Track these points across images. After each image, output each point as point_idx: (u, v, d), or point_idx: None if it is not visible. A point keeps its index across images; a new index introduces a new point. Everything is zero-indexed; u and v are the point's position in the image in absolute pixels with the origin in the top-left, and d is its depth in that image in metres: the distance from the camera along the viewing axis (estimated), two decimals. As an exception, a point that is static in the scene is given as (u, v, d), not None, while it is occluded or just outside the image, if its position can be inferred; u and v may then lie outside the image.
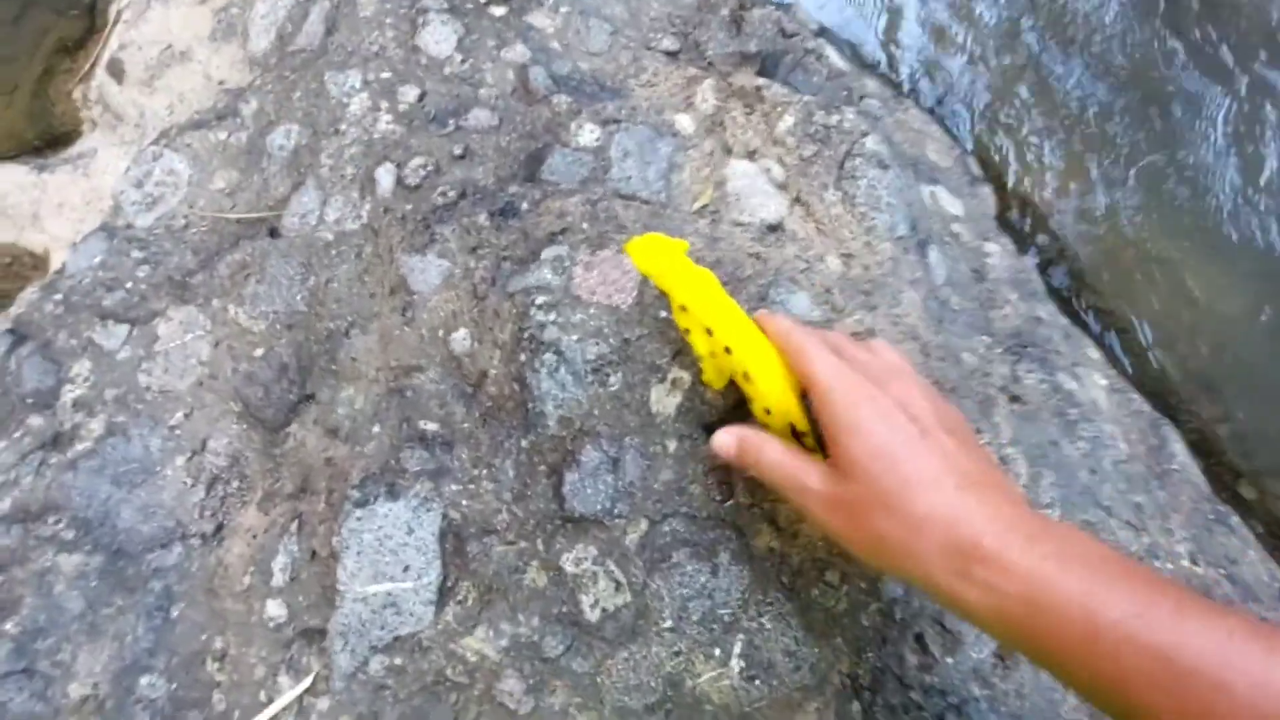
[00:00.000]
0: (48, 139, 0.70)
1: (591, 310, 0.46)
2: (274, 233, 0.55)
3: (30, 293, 0.56)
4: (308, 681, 0.42)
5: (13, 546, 0.47)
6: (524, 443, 0.45)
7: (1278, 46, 0.73)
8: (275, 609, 0.45)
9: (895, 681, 0.42)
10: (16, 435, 0.50)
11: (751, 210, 0.53)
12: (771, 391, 0.38)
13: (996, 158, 0.74)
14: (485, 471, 0.45)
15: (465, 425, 0.46)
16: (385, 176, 0.54)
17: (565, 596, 0.43)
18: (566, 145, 0.54)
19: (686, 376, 0.45)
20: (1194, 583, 0.50)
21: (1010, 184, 0.73)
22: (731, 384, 0.42)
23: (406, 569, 0.43)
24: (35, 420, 0.50)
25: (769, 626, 0.42)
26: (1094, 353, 0.62)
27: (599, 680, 0.42)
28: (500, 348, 0.47)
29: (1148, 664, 0.26)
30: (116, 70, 0.67)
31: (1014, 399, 0.52)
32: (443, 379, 0.47)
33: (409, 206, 0.53)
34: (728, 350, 0.39)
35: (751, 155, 0.56)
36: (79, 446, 0.49)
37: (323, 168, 0.56)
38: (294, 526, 0.46)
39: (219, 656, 0.45)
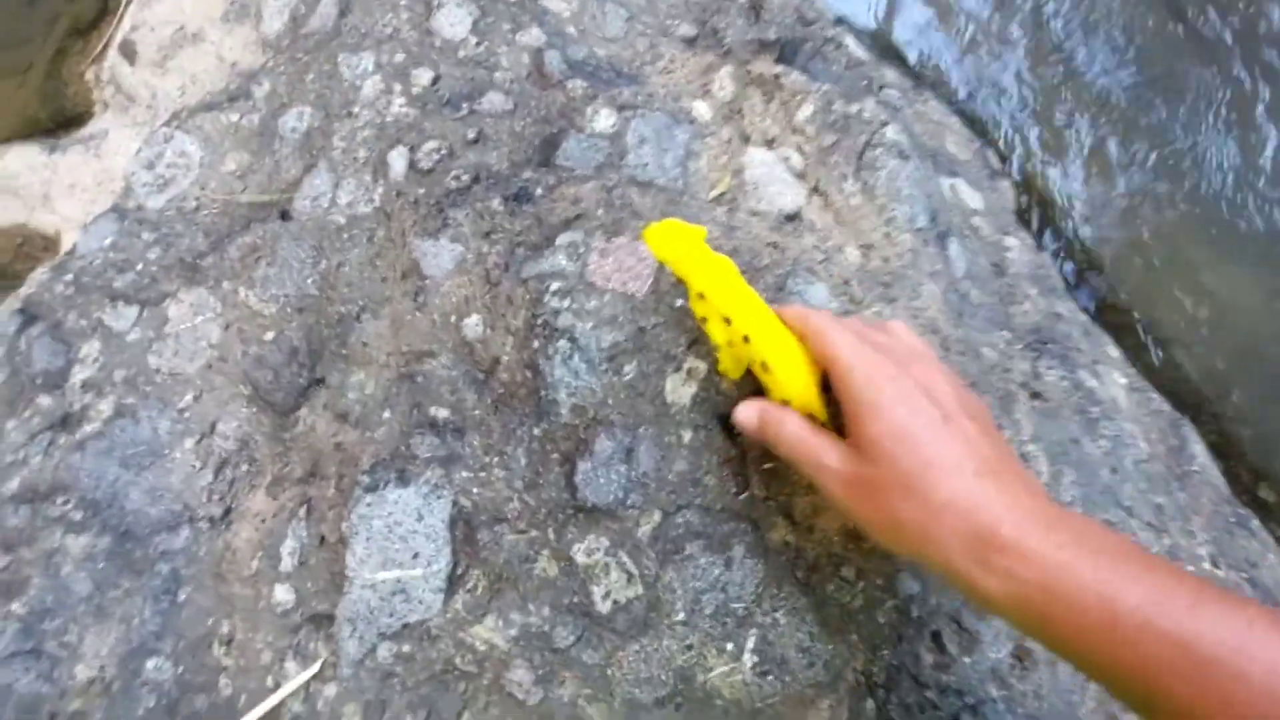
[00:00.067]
0: (60, 120, 0.70)
1: (606, 297, 0.46)
2: (285, 215, 0.54)
3: (41, 273, 0.55)
4: (315, 667, 0.42)
5: (21, 526, 0.46)
6: (536, 431, 0.44)
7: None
8: (283, 594, 0.44)
9: (911, 680, 0.41)
10: (26, 415, 0.50)
11: (769, 199, 0.52)
12: (791, 381, 0.37)
13: (1016, 151, 0.73)
14: (496, 459, 0.44)
15: (477, 412, 0.45)
16: (398, 160, 0.54)
17: (576, 587, 0.42)
18: (582, 131, 0.53)
19: (702, 366, 0.44)
20: (1216, 585, 0.49)
21: (1029, 178, 0.72)
22: (748, 374, 0.42)
23: (416, 556, 0.42)
24: (44, 400, 0.50)
25: (783, 622, 0.41)
26: (1113, 350, 0.61)
27: (609, 672, 0.41)
28: (513, 334, 0.46)
29: (1166, 652, 0.26)
30: (129, 51, 0.67)
31: (1035, 395, 0.51)
32: (454, 365, 0.47)
33: (422, 190, 0.52)
34: (746, 339, 0.38)
35: (770, 143, 0.55)
36: (88, 427, 0.49)
37: (335, 150, 0.55)
38: (303, 511, 0.46)
39: (226, 641, 0.44)
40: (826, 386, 0.37)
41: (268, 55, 0.62)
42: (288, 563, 0.45)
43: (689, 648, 0.41)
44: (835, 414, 0.37)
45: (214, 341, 0.51)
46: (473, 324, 0.47)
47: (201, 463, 0.49)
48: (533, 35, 0.59)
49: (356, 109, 0.56)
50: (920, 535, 0.32)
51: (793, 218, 0.52)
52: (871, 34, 0.77)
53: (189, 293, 0.53)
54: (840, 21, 0.70)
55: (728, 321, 0.39)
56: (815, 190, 0.54)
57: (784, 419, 0.37)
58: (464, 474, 0.44)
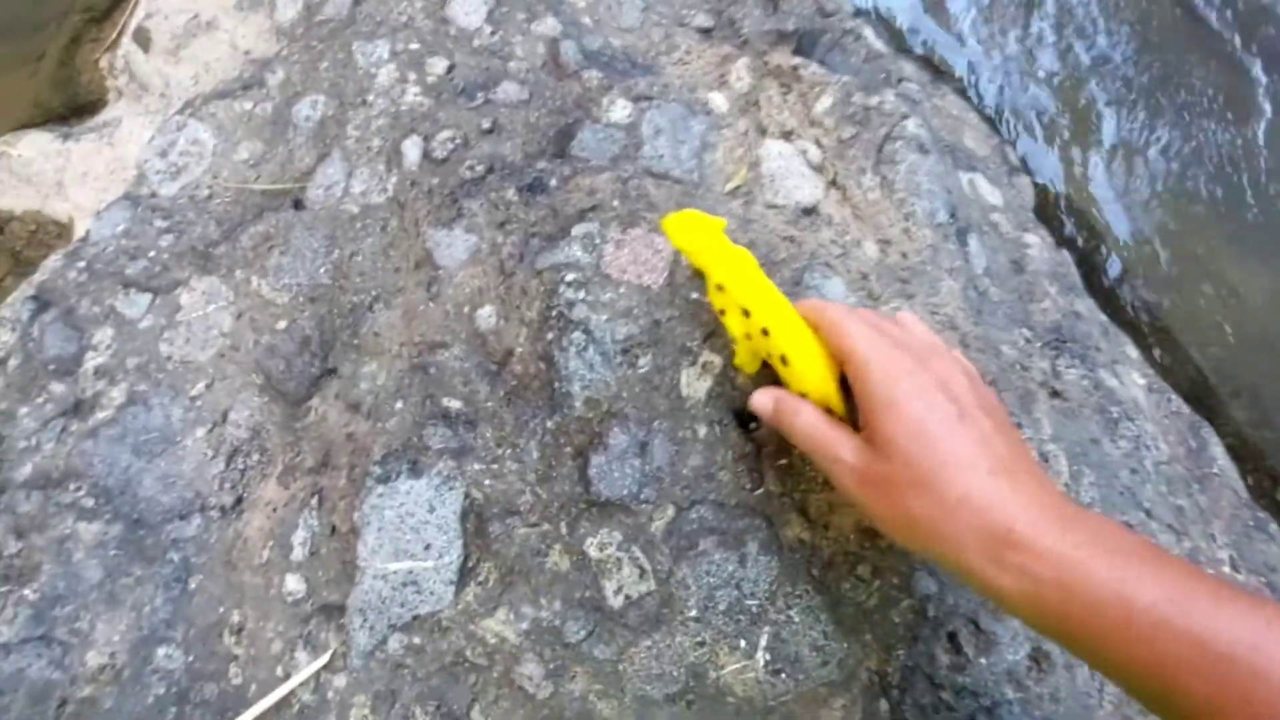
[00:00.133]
0: (73, 107, 0.70)
1: (621, 289, 0.45)
2: (298, 204, 0.54)
3: (54, 260, 0.55)
4: (325, 658, 0.42)
5: (33, 513, 0.46)
6: (549, 423, 0.44)
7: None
8: (294, 584, 0.44)
9: (925, 681, 0.41)
10: (39, 401, 0.50)
11: (786, 192, 0.51)
12: (809, 375, 0.36)
13: (1034, 148, 0.72)
14: (509, 451, 0.44)
15: (489, 404, 0.45)
16: (412, 149, 0.53)
17: (588, 581, 0.42)
18: (597, 121, 0.53)
19: (718, 360, 0.44)
20: (1238, 589, 0.48)
21: (1048, 175, 0.71)
22: (765, 369, 0.41)
23: (427, 547, 0.42)
24: (57, 387, 0.50)
25: (797, 620, 0.41)
26: (1132, 351, 0.60)
27: (620, 668, 0.41)
28: (527, 325, 0.46)
29: (1184, 650, 0.26)
30: (143, 39, 0.66)
31: (1054, 394, 0.50)
32: (467, 356, 0.46)
33: (436, 180, 0.52)
34: (765, 332, 0.37)
35: (787, 136, 0.54)
36: (100, 414, 0.49)
37: (349, 139, 0.55)
38: (314, 501, 0.46)
39: (236, 630, 0.44)
40: (843, 381, 0.37)
41: (282, 43, 0.62)
42: (299, 552, 0.45)
43: (701, 644, 0.41)
44: (851, 409, 0.36)
45: (226, 330, 0.51)
46: (486, 315, 0.47)
47: (213, 451, 0.48)
48: (548, 25, 0.59)
49: (371, 98, 0.56)
50: (934, 532, 0.31)
51: (810, 211, 0.51)
52: (890, 27, 0.76)
53: (201, 281, 0.53)
54: (859, 13, 0.69)
55: (746, 314, 0.38)
56: (833, 184, 0.53)
57: (799, 409, 0.37)
58: (476, 466, 0.44)
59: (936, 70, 0.75)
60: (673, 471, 0.42)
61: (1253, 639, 0.25)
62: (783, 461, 0.43)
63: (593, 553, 0.42)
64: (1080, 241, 0.69)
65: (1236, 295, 0.65)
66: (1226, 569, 0.50)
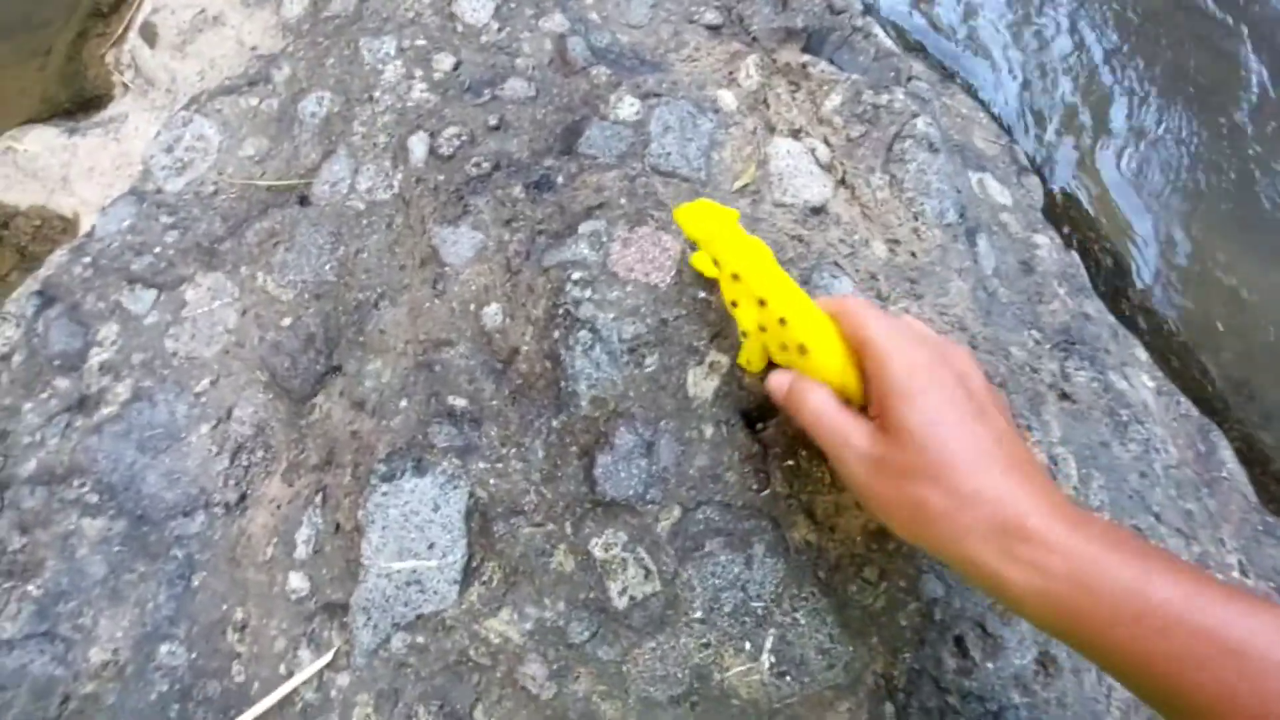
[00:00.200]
0: (79, 102, 0.69)
1: (629, 288, 0.45)
2: (304, 201, 0.54)
3: (59, 255, 0.55)
4: (328, 656, 0.41)
5: (37, 508, 0.46)
6: (555, 423, 0.43)
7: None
8: (297, 581, 0.44)
9: (932, 684, 0.40)
10: (43, 397, 0.50)
11: (795, 191, 0.51)
12: (830, 364, 0.36)
13: (1043, 147, 0.72)
14: (514, 451, 0.44)
15: (495, 402, 0.45)
16: (418, 146, 0.53)
17: (593, 582, 0.41)
18: (605, 118, 0.53)
19: (725, 360, 0.44)
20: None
21: (1057, 175, 0.71)
22: (770, 367, 0.41)
23: (431, 546, 0.42)
24: (62, 382, 0.50)
25: (803, 622, 0.41)
26: (1142, 353, 0.60)
27: (624, 669, 0.41)
28: (533, 324, 0.45)
29: (1199, 646, 0.26)
30: (149, 34, 0.66)
31: (1064, 396, 0.49)
32: (473, 354, 0.46)
33: (442, 177, 0.52)
34: (782, 321, 0.37)
35: (796, 134, 0.54)
36: (105, 410, 0.49)
37: (355, 136, 0.55)
38: (318, 499, 0.46)
39: (240, 627, 0.44)
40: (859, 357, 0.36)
41: (288, 39, 0.62)
42: (302, 550, 0.45)
43: (706, 646, 0.41)
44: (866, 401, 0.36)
45: (231, 326, 0.51)
46: (492, 313, 0.47)
47: (218, 448, 0.48)
48: (556, 21, 0.58)
49: (377, 94, 0.56)
50: (943, 525, 0.31)
51: (819, 210, 0.51)
52: (899, 25, 0.76)
53: (206, 277, 0.53)
54: (869, 11, 0.69)
55: (762, 304, 0.37)
56: (842, 182, 0.53)
57: (811, 390, 0.36)
58: (481, 465, 0.43)
59: (945, 68, 0.74)
60: (679, 472, 0.42)
61: (1267, 635, 0.25)
62: (790, 463, 0.43)
63: (597, 553, 0.42)
64: (1090, 243, 0.68)
65: (1248, 298, 0.65)
66: (1235, 573, 0.49)
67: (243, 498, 0.47)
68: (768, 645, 0.41)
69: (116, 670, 0.43)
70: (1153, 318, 0.66)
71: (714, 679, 0.40)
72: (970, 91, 0.74)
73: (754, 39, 0.59)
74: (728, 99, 0.55)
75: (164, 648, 0.44)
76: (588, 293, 0.45)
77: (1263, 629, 0.25)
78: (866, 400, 0.36)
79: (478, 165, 0.51)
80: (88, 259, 0.54)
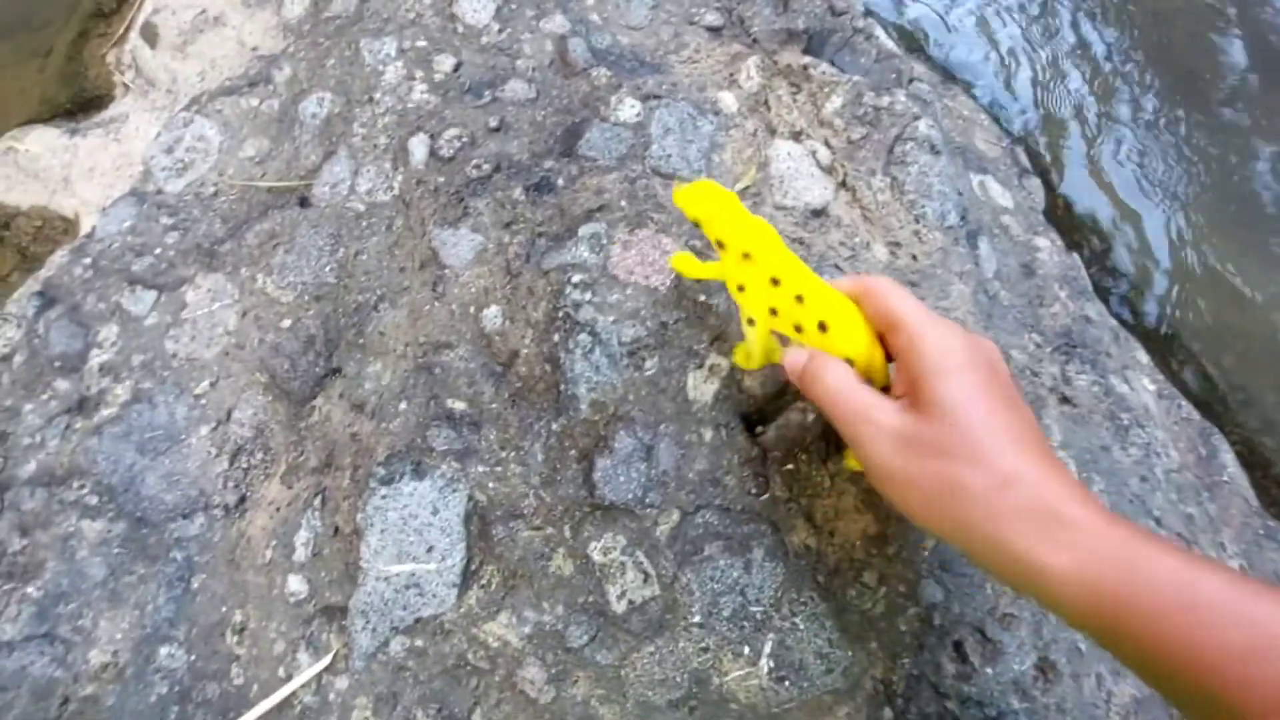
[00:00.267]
0: (80, 103, 0.69)
1: (629, 291, 0.45)
2: (304, 202, 0.54)
3: (60, 256, 0.55)
4: (327, 659, 0.41)
5: (37, 510, 0.46)
6: (554, 426, 0.43)
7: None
8: (296, 584, 0.44)
9: (931, 690, 0.40)
10: (44, 398, 0.50)
11: (796, 193, 0.51)
12: (854, 338, 0.35)
13: (1045, 150, 0.72)
14: (513, 454, 0.43)
15: (494, 406, 0.45)
16: (419, 147, 0.53)
17: (591, 586, 0.41)
18: (605, 120, 0.52)
19: (725, 363, 0.44)
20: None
21: (1058, 178, 0.70)
22: (768, 368, 0.40)
23: (430, 550, 0.42)
24: (62, 384, 0.50)
25: (802, 627, 0.41)
26: (1143, 356, 0.60)
27: (623, 673, 0.41)
28: (533, 327, 0.45)
29: (1255, 639, 0.24)
30: (150, 35, 0.66)
31: (1064, 400, 0.49)
32: (472, 357, 0.46)
33: (442, 179, 0.51)
34: (799, 299, 0.35)
35: (797, 136, 0.54)
36: (105, 412, 0.49)
37: (355, 137, 0.55)
38: (317, 501, 0.46)
39: (239, 630, 0.44)
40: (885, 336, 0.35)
41: (288, 40, 0.62)
42: (301, 553, 0.45)
43: (705, 650, 0.41)
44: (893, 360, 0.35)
45: (231, 328, 0.51)
46: (492, 315, 0.47)
47: (217, 449, 0.48)
48: (556, 22, 0.58)
49: (377, 95, 0.56)
50: (978, 506, 0.30)
51: (819, 213, 0.51)
52: (900, 27, 0.75)
53: (206, 278, 0.53)
54: (870, 13, 0.68)
55: (775, 283, 0.36)
56: (843, 185, 0.52)
57: (830, 364, 0.34)
58: (480, 468, 0.43)
59: (947, 70, 0.74)
60: (678, 476, 0.42)
61: None
62: (789, 467, 0.43)
63: (596, 557, 0.41)
64: (1091, 245, 0.68)
65: (1249, 301, 0.65)
66: (1237, 579, 0.49)
67: (242, 500, 0.47)
68: (766, 650, 0.40)
69: (116, 672, 0.43)
70: (1154, 321, 0.66)
71: (713, 683, 0.40)
72: (972, 93, 0.74)
73: (755, 40, 0.59)
74: (728, 101, 0.55)
75: (163, 650, 0.44)
76: (588, 295, 0.45)
77: None
78: (887, 380, 0.35)
79: (478, 167, 0.51)
80: (88, 260, 0.54)
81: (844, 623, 0.41)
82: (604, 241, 0.46)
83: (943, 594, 0.41)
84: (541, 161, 0.51)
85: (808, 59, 0.58)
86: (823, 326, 0.35)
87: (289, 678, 0.42)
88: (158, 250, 0.54)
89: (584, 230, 0.47)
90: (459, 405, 0.45)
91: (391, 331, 0.48)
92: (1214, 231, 0.67)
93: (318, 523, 0.45)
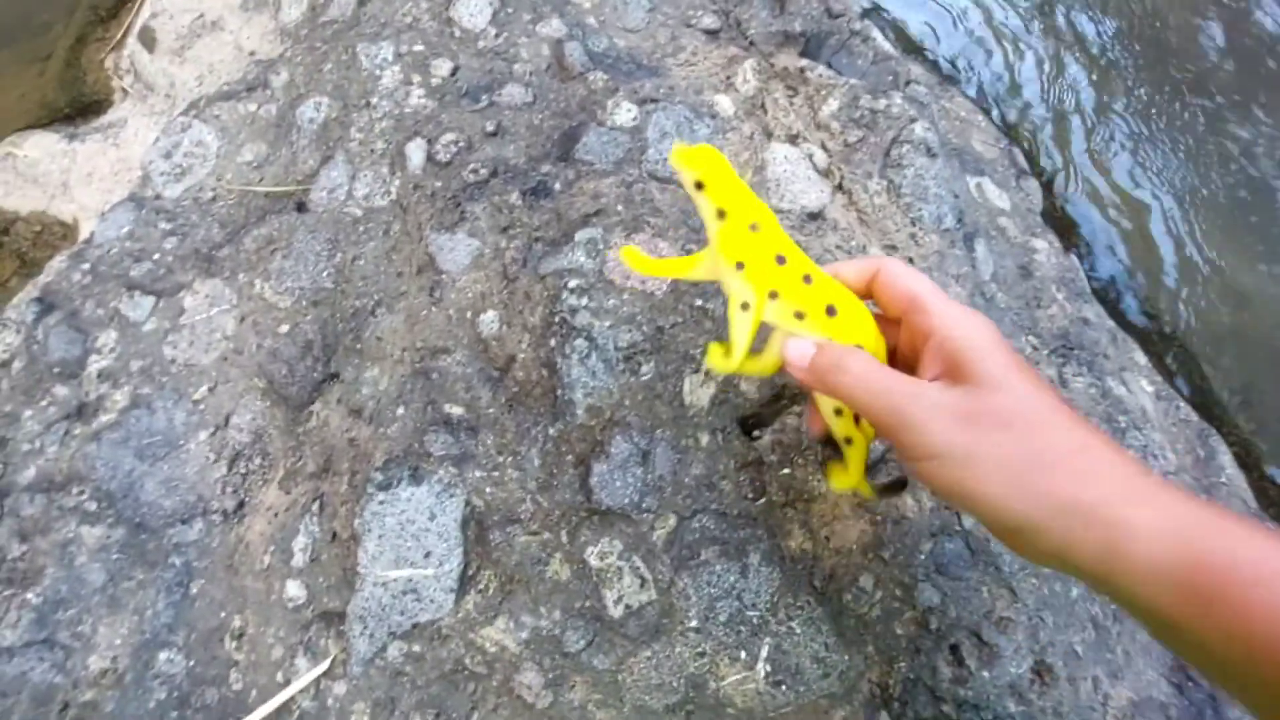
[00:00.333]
0: (79, 107, 0.70)
1: (625, 295, 0.45)
2: (302, 207, 0.54)
3: (59, 261, 0.55)
4: (325, 665, 0.42)
5: (36, 516, 0.46)
6: (551, 431, 0.43)
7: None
8: (295, 589, 0.44)
9: (927, 693, 0.40)
10: (42, 404, 0.50)
11: (792, 196, 0.51)
12: (864, 325, 0.33)
13: (1042, 151, 0.71)
14: (510, 459, 0.44)
15: (491, 410, 0.45)
16: (416, 152, 0.53)
17: (588, 591, 0.41)
18: (602, 124, 0.52)
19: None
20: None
21: (1056, 179, 0.70)
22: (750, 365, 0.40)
23: (428, 555, 0.42)
24: (61, 390, 0.50)
25: (798, 631, 0.41)
26: (1140, 357, 0.60)
27: (620, 678, 0.41)
28: (530, 331, 0.45)
29: None
30: (148, 39, 0.66)
31: (1061, 403, 0.49)
32: (469, 362, 0.46)
33: (439, 184, 0.52)
34: (808, 279, 0.33)
35: (793, 139, 0.54)
36: (103, 418, 0.49)
37: (352, 142, 0.55)
38: (315, 507, 0.46)
39: (238, 635, 0.44)
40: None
41: (286, 44, 0.62)
42: (299, 558, 0.45)
43: (702, 655, 0.41)
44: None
45: (229, 333, 0.51)
46: (489, 320, 0.47)
47: (216, 455, 0.48)
48: (553, 26, 0.58)
49: (374, 100, 0.56)
50: (1059, 470, 0.28)
51: (815, 216, 0.51)
52: (898, 28, 0.75)
53: (205, 284, 0.53)
54: (867, 14, 0.68)
55: (781, 260, 0.33)
56: (839, 188, 0.52)
57: (852, 352, 0.32)
58: (477, 473, 0.44)
59: (944, 72, 0.74)
60: (674, 480, 0.42)
61: None
62: (785, 471, 0.43)
63: (593, 562, 0.42)
64: (1088, 246, 0.68)
65: (1247, 302, 0.64)
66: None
67: (240, 505, 0.47)
68: (763, 654, 0.41)
69: (115, 678, 0.43)
70: (1153, 322, 0.66)
71: (709, 688, 0.40)
72: (968, 94, 0.73)
73: (751, 43, 0.59)
74: (725, 104, 0.55)
75: (162, 655, 0.44)
76: (584, 300, 0.45)
77: None
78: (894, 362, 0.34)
79: (475, 172, 0.51)
80: (87, 265, 0.54)
81: (840, 627, 0.41)
82: (600, 246, 0.46)
83: (939, 598, 0.41)
84: (538, 166, 0.51)
85: (804, 62, 0.58)
86: (831, 311, 0.33)
87: (287, 683, 0.42)
88: (156, 255, 0.54)
89: (580, 235, 0.47)
90: (456, 410, 0.45)
91: (389, 337, 0.49)
92: (1213, 232, 0.67)
93: (316, 528, 0.45)
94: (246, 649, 0.44)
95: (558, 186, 0.50)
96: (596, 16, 0.61)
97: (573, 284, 0.45)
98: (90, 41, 0.71)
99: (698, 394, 0.43)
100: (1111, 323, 0.60)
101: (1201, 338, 0.64)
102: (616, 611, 0.41)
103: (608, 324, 0.44)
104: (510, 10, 0.59)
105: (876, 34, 0.64)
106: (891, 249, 0.51)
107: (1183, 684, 0.44)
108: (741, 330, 0.34)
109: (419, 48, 0.57)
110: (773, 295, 0.33)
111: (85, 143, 0.64)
